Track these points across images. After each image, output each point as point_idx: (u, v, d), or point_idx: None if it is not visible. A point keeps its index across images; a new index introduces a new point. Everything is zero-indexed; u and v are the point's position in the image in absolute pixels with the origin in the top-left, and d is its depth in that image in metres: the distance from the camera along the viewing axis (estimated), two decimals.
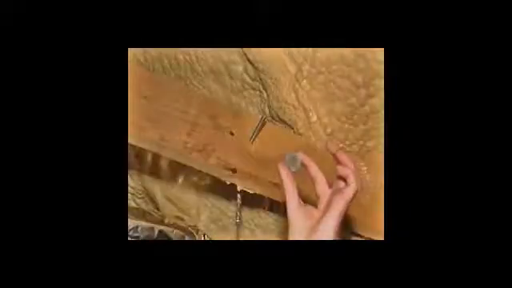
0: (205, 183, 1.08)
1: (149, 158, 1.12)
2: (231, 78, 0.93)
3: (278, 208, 0.99)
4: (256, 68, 0.88)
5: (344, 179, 0.70)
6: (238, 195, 0.90)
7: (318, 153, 0.89)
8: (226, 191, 0.99)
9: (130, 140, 0.76)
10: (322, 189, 0.73)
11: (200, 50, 0.93)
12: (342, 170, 0.70)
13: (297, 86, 0.85)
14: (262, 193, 0.89)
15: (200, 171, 0.87)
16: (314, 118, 0.86)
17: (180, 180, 1.11)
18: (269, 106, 0.91)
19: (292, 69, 0.84)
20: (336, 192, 0.70)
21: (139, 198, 1.19)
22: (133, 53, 1.00)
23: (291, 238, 0.70)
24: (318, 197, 0.73)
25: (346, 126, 0.87)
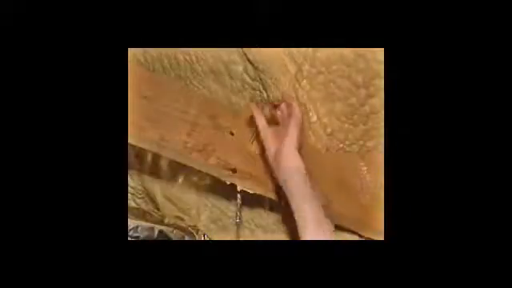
0: (205, 183, 1.08)
1: (149, 158, 1.12)
2: (231, 78, 0.93)
3: (279, 208, 0.99)
4: (256, 68, 0.88)
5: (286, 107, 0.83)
6: (238, 195, 0.90)
7: (319, 153, 0.89)
8: (226, 191, 0.99)
9: (130, 140, 0.76)
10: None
11: (200, 50, 0.93)
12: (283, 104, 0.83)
13: (297, 86, 0.85)
14: (261, 193, 0.89)
15: (200, 171, 0.87)
16: (314, 118, 0.86)
17: (180, 180, 1.11)
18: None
19: (292, 69, 0.84)
20: (287, 120, 0.81)
21: (139, 198, 1.19)
22: (133, 53, 1.00)
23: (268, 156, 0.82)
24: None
25: (346, 125, 0.87)
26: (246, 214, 1.03)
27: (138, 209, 1.15)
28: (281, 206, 0.89)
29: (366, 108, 0.84)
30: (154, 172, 1.12)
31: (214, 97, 0.96)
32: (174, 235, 1.07)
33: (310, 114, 0.86)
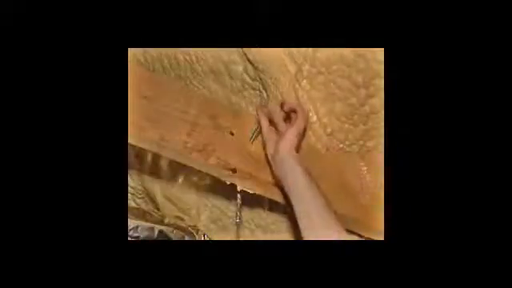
0: (205, 183, 1.08)
1: (149, 158, 1.12)
2: (231, 78, 0.93)
3: (278, 208, 0.99)
4: (256, 68, 0.88)
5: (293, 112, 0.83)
6: (238, 195, 0.90)
7: (319, 153, 0.89)
8: (226, 191, 0.99)
9: (130, 140, 0.76)
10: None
11: (200, 50, 0.93)
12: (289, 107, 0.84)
13: (297, 86, 0.85)
14: (261, 193, 0.89)
15: (200, 171, 0.87)
16: (314, 118, 0.86)
17: (180, 180, 1.10)
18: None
19: (292, 69, 0.84)
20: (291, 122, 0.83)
21: (139, 198, 1.19)
22: (133, 53, 1.00)
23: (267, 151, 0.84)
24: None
25: (346, 125, 0.87)
26: (246, 213, 1.03)
27: (137, 209, 1.15)
28: (281, 206, 0.90)
29: (366, 108, 0.84)
30: (154, 172, 1.12)
31: (213, 97, 0.96)
32: (174, 235, 1.06)
33: (310, 114, 0.86)
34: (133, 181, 1.17)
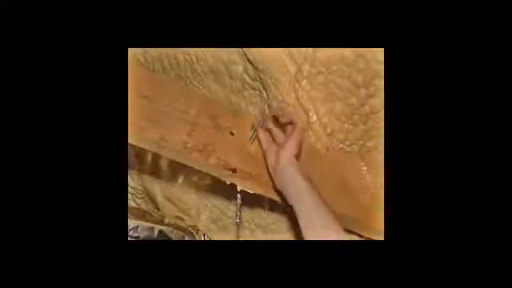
0: (205, 183, 1.08)
1: (149, 158, 1.12)
2: (231, 78, 0.93)
3: (278, 208, 0.99)
4: (256, 68, 0.88)
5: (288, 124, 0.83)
6: (238, 195, 0.90)
7: (319, 153, 0.89)
8: (226, 191, 0.99)
9: (130, 140, 0.76)
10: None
11: (200, 50, 0.93)
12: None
13: (297, 86, 0.85)
14: (261, 193, 0.89)
15: (200, 171, 0.87)
16: (314, 118, 0.86)
17: (180, 180, 1.11)
18: (269, 106, 0.91)
19: (292, 69, 0.84)
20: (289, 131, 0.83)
21: (139, 198, 1.19)
22: (133, 53, 1.00)
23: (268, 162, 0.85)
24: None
25: (346, 126, 0.87)
26: (246, 213, 1.03)
27: (137, 209, 1.15)
28: (281, 206, 0.90)
29: (366, 108, 0.84)
30: (154, 172, 1.12)
31: (214, 97, 0.96)
32: (174, 235, 1.07)
33: (310, 114, 0.86)
34: (133, 181, 1.17)
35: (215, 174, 0.86)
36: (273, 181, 0.84)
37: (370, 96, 0.83)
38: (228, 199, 1.05)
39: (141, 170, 1.14)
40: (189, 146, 0.83)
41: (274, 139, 0.85)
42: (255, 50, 0.85)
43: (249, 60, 0.88)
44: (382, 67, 0.78)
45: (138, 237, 1.03)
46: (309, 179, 0.78)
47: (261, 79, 0.89)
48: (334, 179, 0.91)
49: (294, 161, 0.80)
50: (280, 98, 0.87)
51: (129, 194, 1.18)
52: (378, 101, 0.83)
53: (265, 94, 0.91)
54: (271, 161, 0.83)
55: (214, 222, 1.10)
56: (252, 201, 0.98)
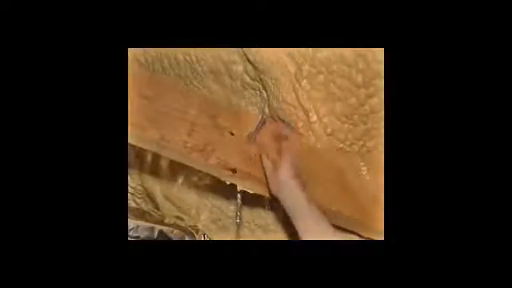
0: (205, 183, 1.08)
1: (149, 158, 1.12)
2: (231, 78, 0.93)
3: (279, 208, 0.99)
4: (256, 68, 0.87)
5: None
6: (238, 195, 0.90)
7: (319, 153, 0.89)
8: (225, 191, 0.99)
9: (130, 140, 0.76)
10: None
11: (200, 50, 0.92)
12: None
13: (297, 86, 0.85)
14: (261, 193, 0.89)
15: (200, 171, 0.87)
16: (314, 118, 0.86)
17: (180, 180, 1.10)
18: (269, 106, 0.91)
19: (292, 69, 0.84)
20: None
21: (139, 198, 1.19)
22: (133, 53, 1.00)
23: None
24: None
25: (346, 126, 0.87)
26: (246, 213, 1.03)
27: (137, 209, 1.15)
28: (281, 206, 0.90)
29: (366, 108, 0.84)
30: (154, 172, 1.12)
31: (214, 97, 0.96)
32: (174, 235, 1.07)
33: (310, 114, 0.86)
34: (133, 181, 1.17)
35: (215, 174, 0.86)
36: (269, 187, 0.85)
37: (370, 96, 0.83)
38: (228, 199, 1.05)
39: (141, 170, 1.14)
40: (189, 145, 0.83)
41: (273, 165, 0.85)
42: (255, 50, 0.85)
43: (249, 60, 0.87)
44: (381, 67, 0.78)
45: (138, 237, 1.03)
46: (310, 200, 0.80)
47: (261, 79, 0.89)
48: (334, 179, 0.90)
49: (292, 181, 0.81)
50: (280, 98, 0.87)
51: (129, 194, 1.18)
52: (378, 101, 0.83)
53: (265, 94, 0.91)
54: (274, 188, 0.84)
55: (214, 221, 1.10)
56: (252, 201, 0.98)
